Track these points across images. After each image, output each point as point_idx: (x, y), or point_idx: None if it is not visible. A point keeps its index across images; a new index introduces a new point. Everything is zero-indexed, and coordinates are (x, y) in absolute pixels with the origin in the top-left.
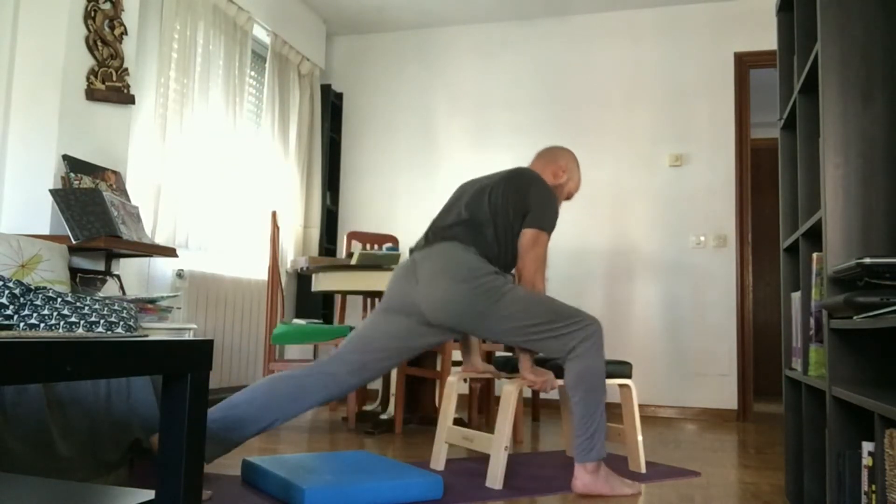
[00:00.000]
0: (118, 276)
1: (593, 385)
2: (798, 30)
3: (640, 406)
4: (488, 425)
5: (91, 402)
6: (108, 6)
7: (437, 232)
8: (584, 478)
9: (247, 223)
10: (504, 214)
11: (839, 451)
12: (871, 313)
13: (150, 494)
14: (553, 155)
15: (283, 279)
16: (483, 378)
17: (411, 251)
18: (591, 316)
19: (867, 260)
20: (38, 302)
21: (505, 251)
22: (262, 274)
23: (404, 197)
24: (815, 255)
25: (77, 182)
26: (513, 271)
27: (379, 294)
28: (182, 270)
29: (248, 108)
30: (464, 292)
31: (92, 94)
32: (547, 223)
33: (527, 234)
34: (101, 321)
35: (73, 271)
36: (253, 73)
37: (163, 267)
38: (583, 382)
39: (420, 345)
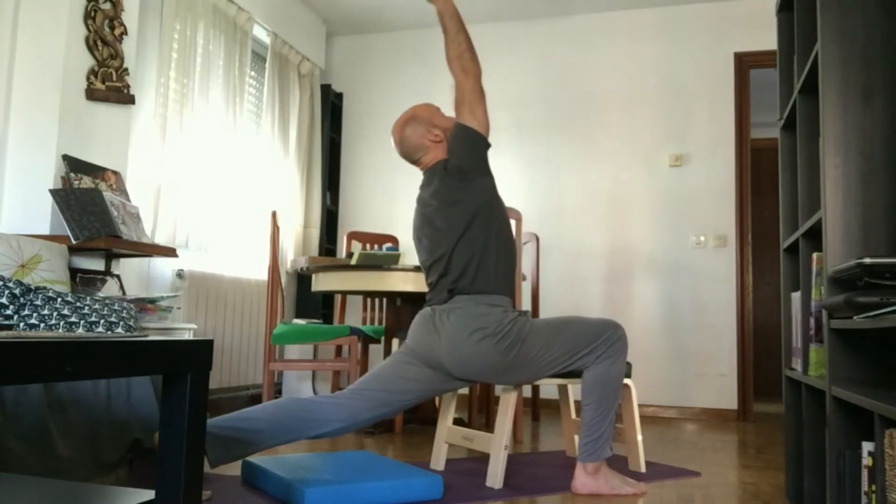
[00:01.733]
0: (118, 276)
1: (609, 391)
2: (798, 30)
3: (640, 406)
4: (488, 425)
5: (91, 402)
6: (108, 6)
7: (449, 285)
8: (582, 478)
9: (247, 223)
10: (479, 222)
11: (839, 451)
12: (871, 313)
13: (150, 494)
14: (413, 130)
15: (283, 279)
16: None
17: (428, 303)
18: (613, 324)
19: (867, 260)
20: (38, 302)
21: (507, 257)
22: (262, 274)
23: (404, 197)
24: (815, 255)
25: (77, 182)
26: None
27: (378, 294)
28: (182, 270)
29: (248, 108)
30: (487, 350)
31: (92, 94)
32: (461, 130)
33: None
34: (101, 321)
35: (73, 271)
36: (253, 73)
37: (163, 267)
38: (598, 387)
39: (444, 389)
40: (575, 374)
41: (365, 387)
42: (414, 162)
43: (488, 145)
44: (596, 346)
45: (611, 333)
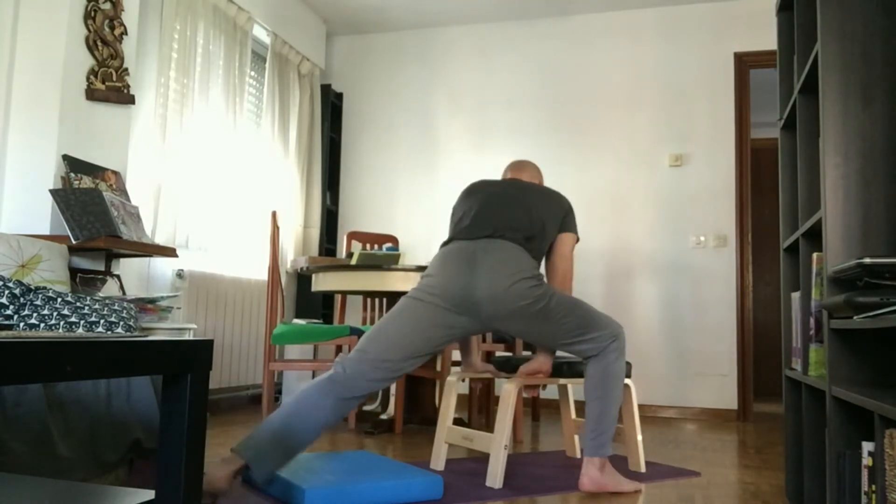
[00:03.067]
0: (118, 276)
1: (615, 385)
2: (798, 30)
3: (640, 406)
4: (488, 425)
5: (91, 402)
6: (108, 6)
7: (494, 228)
8: (593, 473)
9: (247, 223)
10: (549, 226)
11: (839, 451)
12: (871, 313)
13: (150, 494)
14: (534, 171)
15: (283, 279)
16: (482, 378)
17: (463, 237)
18: (617, 323)
19: (867, 260)
20: (38, 302)
21: (540, 258)
22: (262, 274)
23: (404, 197)
24: (815, 255)
25: (77, 182)
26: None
27: (378, 294)
28: (182, 270)
29: (248, 108)
30: (526, 290)
31: (92, 94)
32: (577, 230)
33: (568, 239)
34: (101, 321)
35: (73, 271)
36: (253, 73)
37: (163, 267)
38: (606, 381)
39: (443, 336)
40: (576, 374)
41: (382, 357)
42: (518, 171)
43: (576, 231)
44: (602, 334)
45: (616, 328)
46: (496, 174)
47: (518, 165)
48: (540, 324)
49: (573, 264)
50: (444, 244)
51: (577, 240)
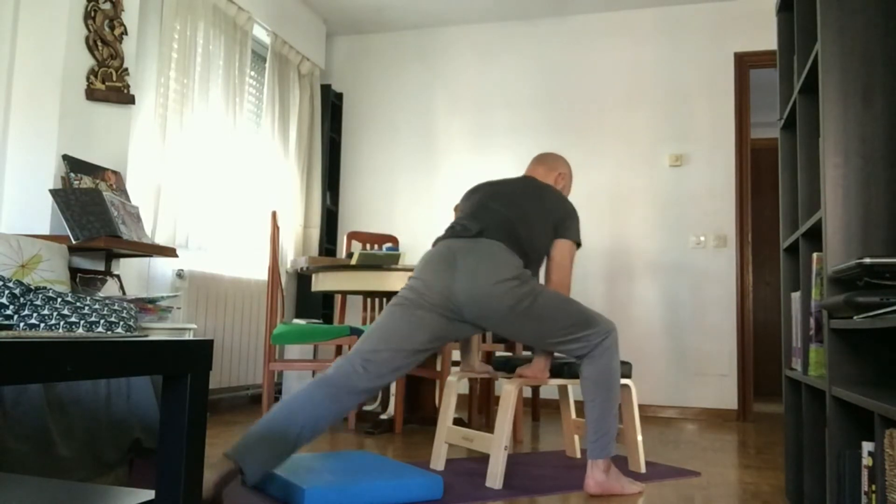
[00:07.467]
0: (118, 276)
1: (613, 384)
2: (798, 30)
3: (640, 406)
4: (488, 425)
5: (91, 402)
6: (108, 6)
7: (480, 228)
8: (598, 476)
9: (247, 223)
10: (539, 227)
11: (839, 451)
12: (871, 313)
13: (150, 494)
14: (554, 162)
15: (283, 279)
16: (481, 378)
17: (446, 238)
18: (607, 319)
19: (867, 260)
20: (38, 302)
21: (535, 259)
22: (262, 274)
23: (404, 197)
24: (815, 255)
25: (77, 182)
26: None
27: (379, 294)
28: (182, 270)
29: (248, 108)
30: (506, 291)
31: (92, 94)
32: (579, 237)
33: (563, 246)
34: (101, 321)
35: (73, 271)
36: (253, 73)
37: (163, 267)
38: (603, 382)
39: (452, 336)
40: (576, 375)
41: (375, 349)
42: (533, 167)
43: (577, 239)
44: (592, 332)
45: (607, 325)
46: (496, 174)
47: (536, 160)
48: (527, 324)
49: (570, 273)
50: (434, 244)
51: (578, 246)
